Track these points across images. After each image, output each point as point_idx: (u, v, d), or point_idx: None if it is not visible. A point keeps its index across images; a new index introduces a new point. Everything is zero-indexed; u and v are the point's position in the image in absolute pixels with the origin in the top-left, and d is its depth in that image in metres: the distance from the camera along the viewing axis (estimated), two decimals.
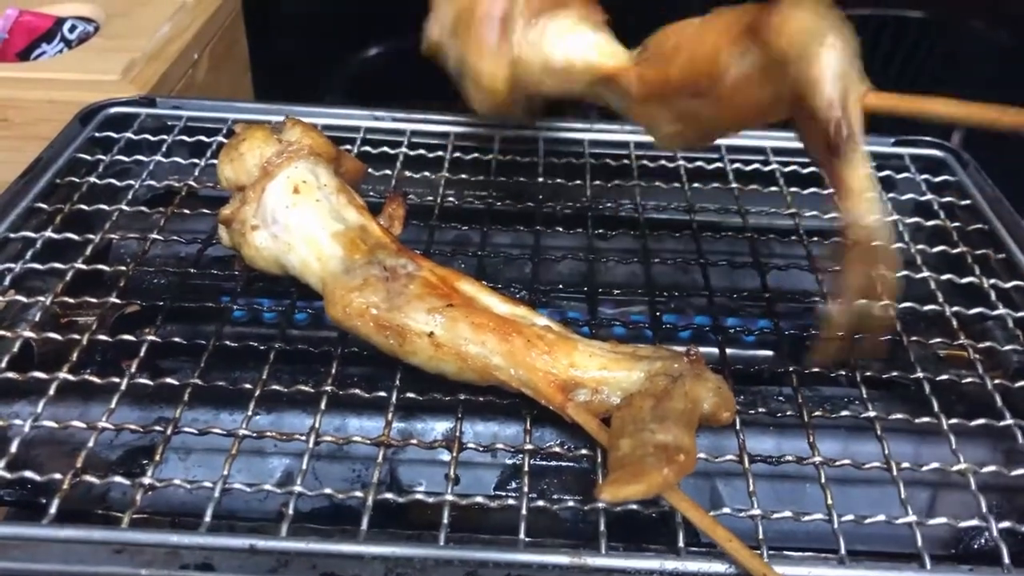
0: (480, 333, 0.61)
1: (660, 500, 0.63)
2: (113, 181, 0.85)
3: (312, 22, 1.96)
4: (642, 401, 0.57)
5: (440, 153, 0.92)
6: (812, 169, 0.91)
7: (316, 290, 0.69)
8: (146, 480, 0.56)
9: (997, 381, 0.68)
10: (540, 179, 0.90)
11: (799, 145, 0.93)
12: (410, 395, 0.64)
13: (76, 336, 0.67)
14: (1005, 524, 0.57)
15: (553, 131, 0.97)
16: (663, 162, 0.92)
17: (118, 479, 0.57)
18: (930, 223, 0.85)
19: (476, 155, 0.93)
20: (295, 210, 0.69)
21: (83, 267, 0.74)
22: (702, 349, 0.63)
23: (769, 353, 0.84)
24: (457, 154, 0.92)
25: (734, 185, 0.89)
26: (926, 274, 0.77)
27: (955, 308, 0.74)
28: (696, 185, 0.89)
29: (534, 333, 0.62)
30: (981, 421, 0.64)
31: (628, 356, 0.62)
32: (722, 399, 0.59)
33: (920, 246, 0.81)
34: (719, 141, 0.94)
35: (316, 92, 1.99)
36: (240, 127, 0.73)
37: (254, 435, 0.60)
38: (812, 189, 0.89)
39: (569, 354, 0.61)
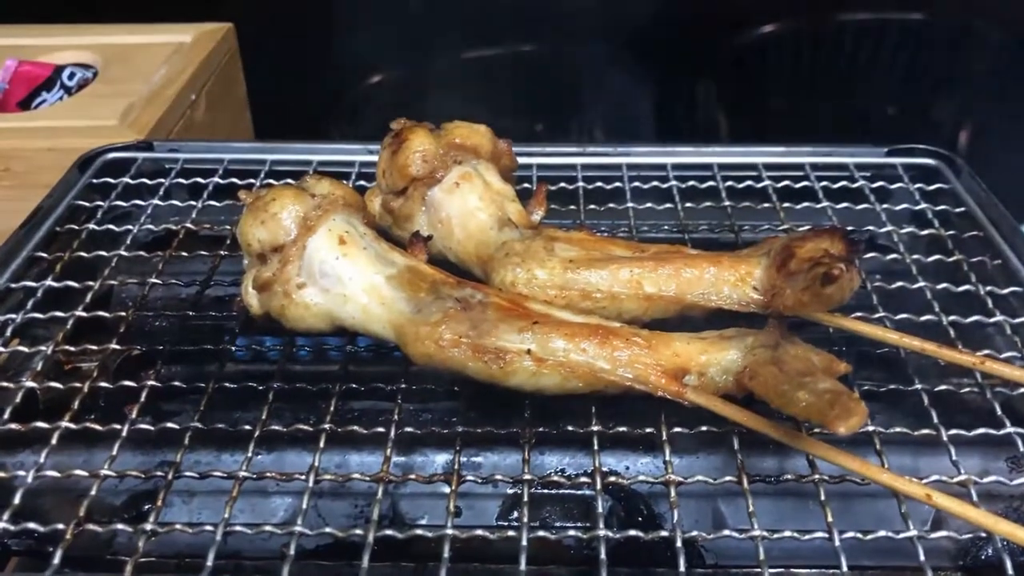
0: (578, 341, 0.63)
1: (663, 524, 0.63)
2: (112, 227, 0.86)
3: (311, 55, 1.97)
4: (766, 369, 0.59)
5: None
6: (805, 183, 0.92)
7: (380, 337, 0.68)
8: (148, 526, 0.57)
9: (997, 389, 0.67)
10: None
11: (791, 160, 0.95)
12: (408, 429, 0.65)
13: (77, 384, 0.68)
14: None
15: (546, 157, 0.97)
16: (656, 183, 0.92)
17: (121, 526, 0.58)
18: (925, 232, 0.85)
19: None
20: (346, 260, 0.68)
21: (83, 315, 0.75)
22: None
23: None
24: None
25: (727, 203, 0.89)
26: (922, 284, 0.77)
27: (952, 317, 0.74)
28: (689, 204, 0.89)
29: (628, 332, 0.64)
30: (981, 430, 0.63)
31: (718, 339, 0.64)
32: (823, 355, 0.61)
33: (915, 256, 0.81)
34: (711, 159, 0.95)
35: (318, 124, 2.00)
36: (259, 190, 0.72)
37: (254, 476, 0.61)
38: (805, 203, 0.89)
39: (669, 345, 0.63)
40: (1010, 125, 1.92)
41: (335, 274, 0.68)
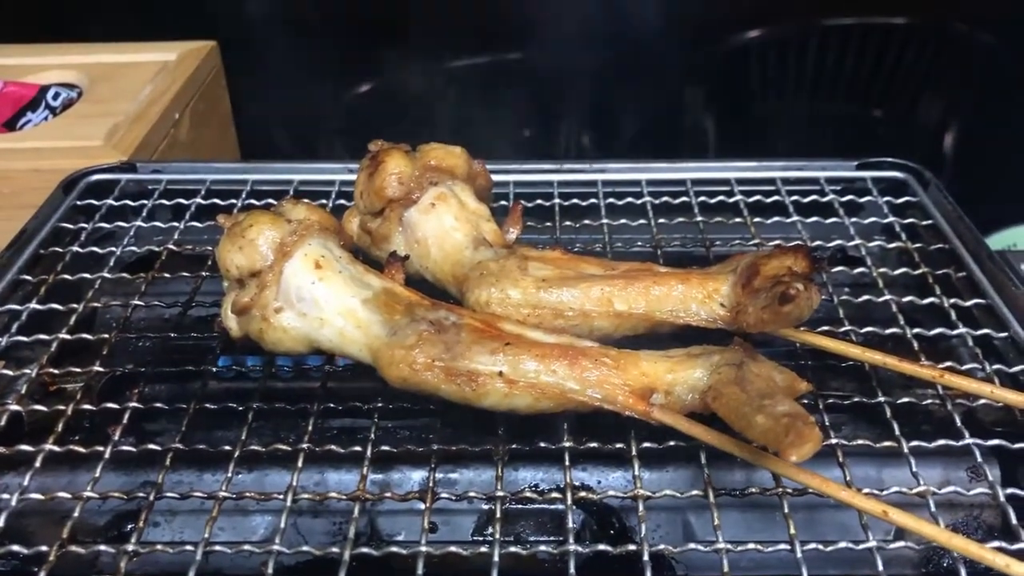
0: (548, 363, 0.64)
1: (633, 537, 0.65)
2: (95, 249, 0.88)
3: (296, 67, 1.99)
4: (729, 389, 0.60)
5: None
6: (776, 198, 0.94)
7: (357, 359, 0.70)
8: (130, 547, 0.58)
9: (957, 400, 0.69)
10: None
11: (763, 175, 0.97)
12: (385, 447, 0.66)
13: (62, 406, 0.69)
14: None
15: (523, 174, 0.99)
16: (630, 199, 0.94)
17: (104, 547, 0.59)
18: (892, 245, 0.87)
19: None
20: (321, 284, 0.69)
21: (67, 337, 0.76)
22: None
23: None
24: None
25: (699, 218, 0.91)
26: (888, 297, 0.79)
27: (916, 330, 0.75)
28: (662, 220, 0.91)
29: (597, 353, 0.65)
30: (941, 441, 0.65)
31: (685, 357, 0.66)
32: (786, 374, 0.63)
33: (883, 269, 0.83)
34: (684, 175, 0.97)
35: (305, 135, 2.02)
36: (237, 215, 0.73)
37: (234, 496, 0.62)
38: (776, 218, 0.91)
39: (637, 365, 0.65)
40: (994, 126, 1.95)
41: (311, 298, 0.69)
